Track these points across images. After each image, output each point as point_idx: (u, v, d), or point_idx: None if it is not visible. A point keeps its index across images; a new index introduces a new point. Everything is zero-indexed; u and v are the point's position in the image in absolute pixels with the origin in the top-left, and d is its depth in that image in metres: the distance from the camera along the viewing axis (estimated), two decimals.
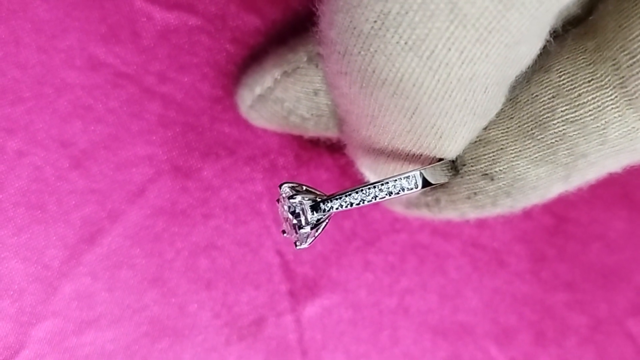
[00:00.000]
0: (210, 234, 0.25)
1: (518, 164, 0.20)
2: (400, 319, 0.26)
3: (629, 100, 0.18)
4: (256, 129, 0.25)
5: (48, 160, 0.24)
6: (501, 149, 0.20)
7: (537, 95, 0.19)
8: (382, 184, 0.18)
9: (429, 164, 0.20)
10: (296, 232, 0.19)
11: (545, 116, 0.19)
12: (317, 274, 0.26)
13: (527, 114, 0.19)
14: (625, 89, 0.18)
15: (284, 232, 0.20)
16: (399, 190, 0.18)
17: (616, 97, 0.18)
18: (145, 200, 0.25)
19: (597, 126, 0.18)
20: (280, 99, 0.22)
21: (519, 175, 0.20)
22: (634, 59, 0.17)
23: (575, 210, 0.27)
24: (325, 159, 0.25)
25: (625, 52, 0.18)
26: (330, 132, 0.22)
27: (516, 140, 0.20)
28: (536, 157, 0.19)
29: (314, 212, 0.19)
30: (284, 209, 0.19)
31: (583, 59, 0.19)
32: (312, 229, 0.19)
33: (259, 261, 0.25)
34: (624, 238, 0.27)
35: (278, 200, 0.19)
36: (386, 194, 0.18)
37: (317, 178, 0.25)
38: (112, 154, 0.25)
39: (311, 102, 0.21)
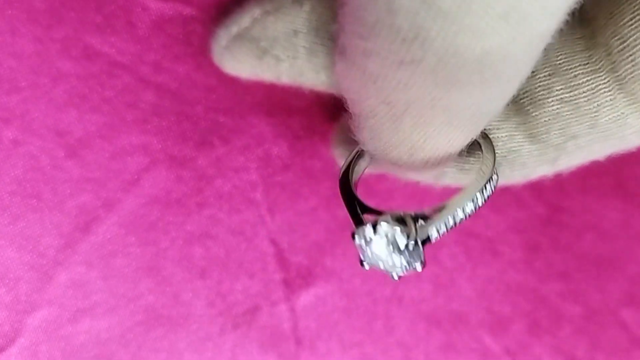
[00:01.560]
0: (205, 223, 0.25)
1: (516, 136, 0.20)
2: (394, 308, 0.26)
3: (620, 84, 0.18)
4: (251, 118, 0.25)
5: (44, 149, 0.24)
6: (500, 120, 0.20)
7: (534, 72, 0.19)
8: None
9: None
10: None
11: (541, 93, 0.19)
12: (312, 263, 0.26)
13: (523, 90, 0.19)
14: (617, 74, 0.18)
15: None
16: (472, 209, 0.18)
17: (609, 81, 0.18)
18: (140, 189, 0.25)
19: (590, 108, 0.19)
20: (257, 37, 0.21)
21: (514, 148, 0.20)
22: (624, 44, 0.18)
23: (569, 200, 0.27)
24: (319, 148, 0.26)
25: (616, 38, 0.18)
26: (303, 79, 0.21)
27: (512, 115, 0.20)
28: (531, 134, 0.20)
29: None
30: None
31: (579, 44, 0.19)
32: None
33: (253, 250, 0.25)
34: (618, 228, 0.27)
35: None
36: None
37: (312, 167, 0.26)
38: (107, 143, 0.25)
39: (288, 43, 0.21)
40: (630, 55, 0.18)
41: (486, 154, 0.20)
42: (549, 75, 0.19)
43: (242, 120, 0.25)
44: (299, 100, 0.25)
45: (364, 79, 0.17)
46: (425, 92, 0.16)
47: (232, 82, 0.24)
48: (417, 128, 0.18)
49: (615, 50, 0.18)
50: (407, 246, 0.18)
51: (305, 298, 0.26)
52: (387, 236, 0.18)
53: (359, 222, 0.18)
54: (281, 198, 0.26)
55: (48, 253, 0.24)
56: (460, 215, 0.18)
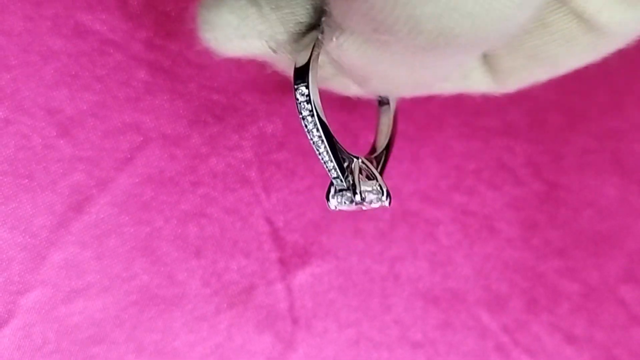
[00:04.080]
0: (199, 202, 0.25)
1: None
2: (390, 286, 0.26)
3: None
4: (244, 96, 0.25)
5: (35, 128, 0.24)
6: None
7: None
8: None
9: None
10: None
11: None
12: (307, 242, 0.26)
13: None
14: None
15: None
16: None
17: None
18: (134, 168, 0.25)
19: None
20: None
21: None
22: None
23: (567, 177, 0.27)
24: None
25: None
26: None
27: None
28: None
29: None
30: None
31: None
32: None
33: (248, 229, 0.25)
34: (616, 205, 0.27)
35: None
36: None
37: (307, 145, 0.25)
38: (99, 121, 0.24)
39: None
40: None
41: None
42: None
43: (236, 98, 0.25)
44: None
45: None
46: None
47: (226, 60, 0.24)
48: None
49: None
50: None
51: (301, 277, 0.26)
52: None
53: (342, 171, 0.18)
54: (276, 176, 0.25)
55: (41, 233, 0.24)
56: None
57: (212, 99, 0.25)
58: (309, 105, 0.18)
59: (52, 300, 0.24)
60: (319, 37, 0.18)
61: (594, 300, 0.27)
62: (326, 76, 0.21)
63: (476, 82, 0.21)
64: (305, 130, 0.18)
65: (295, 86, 0.18)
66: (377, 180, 0.18)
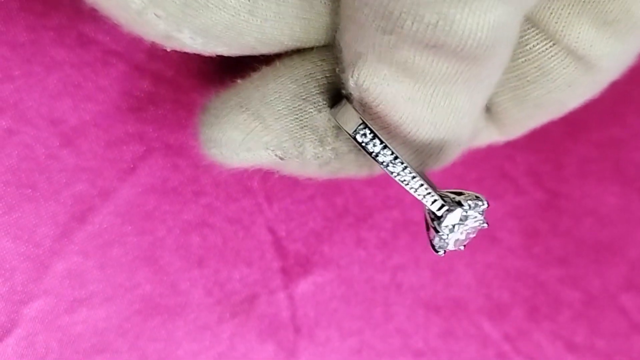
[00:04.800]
0: (202, 212, 0.25)
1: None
2: (393, 295, 0.26)
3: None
4: None
5: (38, 138, 0.24)
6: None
7: None
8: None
9: None
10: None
11: None
12: (310, 251, 0.26)
13: None
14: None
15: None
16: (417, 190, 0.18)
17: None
18: (137, 178, 0.25)
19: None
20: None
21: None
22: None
23: (568, 185, 0.27)
24: None
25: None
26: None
27: None
28: None
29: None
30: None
31: None
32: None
33: (251, 238, 0.25)
34: (617, 213, 0.27)
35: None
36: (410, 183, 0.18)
37: None
38: (102, 131, 0.24)
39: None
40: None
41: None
42: None
43: None
44: None
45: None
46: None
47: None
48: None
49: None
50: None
51: (304, 286, 0.26)
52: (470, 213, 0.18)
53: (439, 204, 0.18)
54: (278, 186, 0.26)
55: (44, 243, 0.24)
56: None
57: None
58: (376, 139, 0.18)
59: (55, 310, 0.24)
60: (345, 95, 0.19)
61: (595, 308, 0.27)
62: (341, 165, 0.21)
63: (483, 138, 0.21)
64: (384, 165, 0.18)
65: (356, 132, 0.18)
66: (462, 193, 0.18)
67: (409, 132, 0.19)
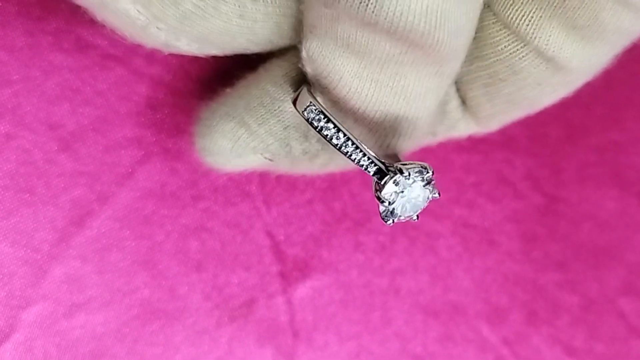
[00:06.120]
0: (200, 216, 0.25)
1: None
2: (391, 300, 0.26)
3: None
4: None
5: (36, 143, 0.24)
6: None
7: None
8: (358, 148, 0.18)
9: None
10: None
11: None
12: (308, 255, 0.26)
13: None
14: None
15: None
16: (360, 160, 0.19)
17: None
18: (135, 183, 0.25)
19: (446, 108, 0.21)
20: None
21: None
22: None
23: (566, 190, 0.27)
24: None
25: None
26: (115, 7, 0.19)
27: None
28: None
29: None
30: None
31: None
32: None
33: (249, 243, 0.25)
34: (615, 217, 0.27)
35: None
36: (351, 154, 0.19)
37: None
38: (100, 136, 0.24)
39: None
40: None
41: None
42: None
43: None
44: None
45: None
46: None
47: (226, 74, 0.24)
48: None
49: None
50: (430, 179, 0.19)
51: (302, 290, 0.26)
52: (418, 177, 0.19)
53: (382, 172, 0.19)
54: (277, 190, 0.26)
55: (42, 248, 0.24)
56: None
57: None
58: (321, 114, 0.19)
59: (53, 315, 0.24)
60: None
61: (593, 313, 0.27)
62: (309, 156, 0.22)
63: (461, 129, 0.22)
64: (328, 138, 0.19)
65: (304, 110, 0.19)
66: (409, 164, 0.19)
67: (358, 109, 0.19)
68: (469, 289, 0.26)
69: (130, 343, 0.25)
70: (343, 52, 0.18)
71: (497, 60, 0.20)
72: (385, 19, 0.17)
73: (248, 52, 0.21)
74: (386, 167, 0.19)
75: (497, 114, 0.22)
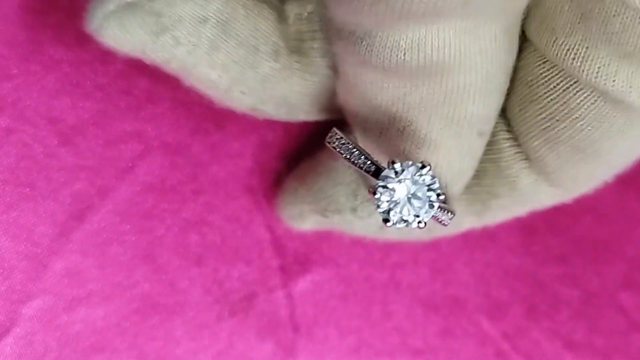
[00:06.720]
0: (200, 210, 0.25)
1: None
2: (391, 294, 0.26)
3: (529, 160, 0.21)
4: None
5: (37, 137, 0.24)
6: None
7: None
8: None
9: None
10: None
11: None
12: (308, 249, 0.26)
13: None
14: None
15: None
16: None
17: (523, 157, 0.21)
18: (135, 177, 0.25)
19: (510, 173, 0.21)
20: (158, 12, 0.19)
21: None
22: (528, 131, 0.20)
23: None
24: (315, 133, 0.25)
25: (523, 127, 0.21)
26: (195, 72, 0.20)
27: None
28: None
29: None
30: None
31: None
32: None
33: (249, 237, 0.25)
34: (615, 211, 0.27)
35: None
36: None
37: (309, 152, 0.25)
38: (101, 130, 0.24)
39: (193, 29, 0.19)
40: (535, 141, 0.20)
41: None
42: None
43: None
44: None
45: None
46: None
47: None
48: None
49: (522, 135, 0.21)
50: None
51: (302, 284, 0.26)
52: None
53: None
54: (277, 184, 0.26)
55: (42, 242, 0.24)
56: None
57: (213, 107, 0.25)
58: (343, 142, 0.19)
59: (53, 309, 0.24)
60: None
61: (593, 307, 0.27)
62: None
63: (533, 192, 0.22)
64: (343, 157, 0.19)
65: (329, 141, 0.19)
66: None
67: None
68: (469, 282, 0.26)
69: (130, 337, 0.25)
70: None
71: (551, 100, 0.19)
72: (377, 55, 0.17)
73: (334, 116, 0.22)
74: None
75: (566, 167, 0.20)
